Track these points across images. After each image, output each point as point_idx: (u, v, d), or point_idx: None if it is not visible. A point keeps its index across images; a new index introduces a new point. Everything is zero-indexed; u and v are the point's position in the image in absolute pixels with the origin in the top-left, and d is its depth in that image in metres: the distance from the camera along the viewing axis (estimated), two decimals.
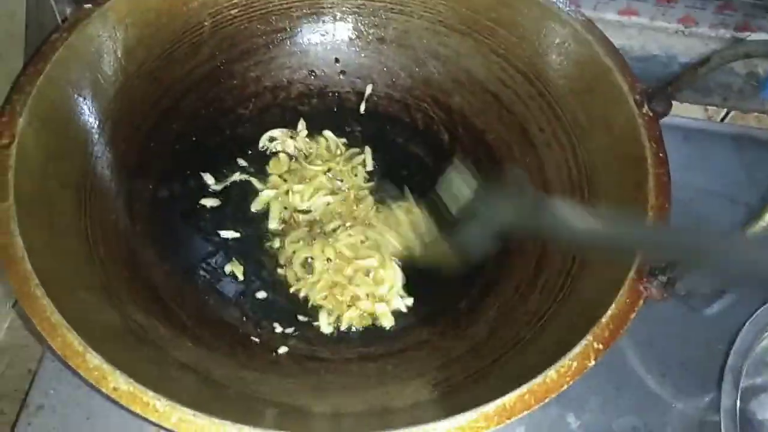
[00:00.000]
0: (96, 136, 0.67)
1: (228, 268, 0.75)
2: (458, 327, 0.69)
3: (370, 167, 0.83)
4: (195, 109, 0.79)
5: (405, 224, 0.77)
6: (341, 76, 0.86)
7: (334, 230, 0.77)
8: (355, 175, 0.82)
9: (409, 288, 0.75)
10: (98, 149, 0.67)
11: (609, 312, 0.53)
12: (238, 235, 0.77)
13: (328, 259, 0.75)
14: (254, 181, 0.80)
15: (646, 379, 0.76)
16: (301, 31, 0.83)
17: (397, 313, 0.73)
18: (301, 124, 0.85)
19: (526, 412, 0.49)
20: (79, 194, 0.63)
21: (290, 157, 0.83)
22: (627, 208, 0.62)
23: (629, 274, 0.55)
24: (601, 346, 0.52)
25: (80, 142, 0.66)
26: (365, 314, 0.72)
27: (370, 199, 0.81)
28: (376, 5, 0.81)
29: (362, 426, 0.48)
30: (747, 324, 0.69)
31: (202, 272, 0.73)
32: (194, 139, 0.79)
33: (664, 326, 0.79)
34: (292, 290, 0.74)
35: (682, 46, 1.02)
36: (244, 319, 0.71)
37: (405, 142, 0.85)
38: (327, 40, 0.84)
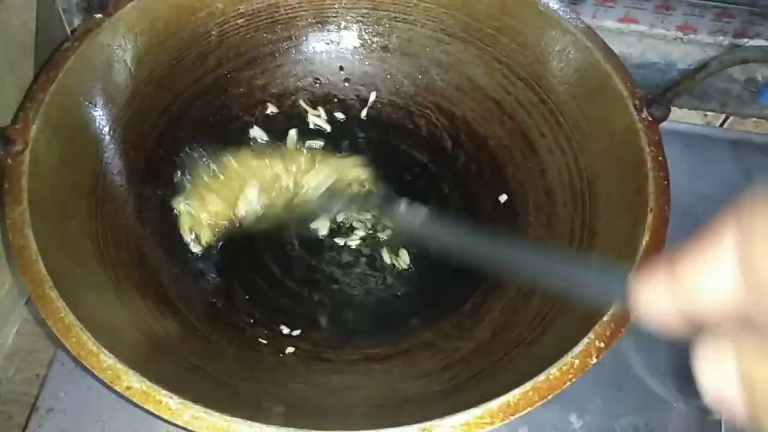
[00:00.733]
0: (106, 143, 0.69)
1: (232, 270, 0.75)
2: (462, 328, 0.70)
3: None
4: (202, 116, 0.80)
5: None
6: (346, 84, 0.87)
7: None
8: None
9: (414, 289, 0.76)
10: (108, 155, 0.69)
11: (610, 311, 0.54)
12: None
13: None
14: None
15: (648, 379, 0.77)
16: (306, 39, 0.85)
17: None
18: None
19: (529, 409, 0.50)
20: (90, 199, 0.65)
21: None
22: (628, 212, 0.63)
23: (630, 275, 0.56)
24: (602, 345, 0.53)
25: (91, 149, 0.67)
26: None
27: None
28: (380, 14, 0.82)
29: (369, 423, 0.49)
30: None
31: (209, 275, 0.74)
32: (201, 145, 0.80)
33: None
34: None
35: (681, 53, 1.03)
36: (252, 321, 0.71)
37: (408, 148, 0.86)
38: (332, 49, 0.85)
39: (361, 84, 0.87)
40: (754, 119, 1.03)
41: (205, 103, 0.80)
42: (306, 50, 0.85)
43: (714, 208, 0.76)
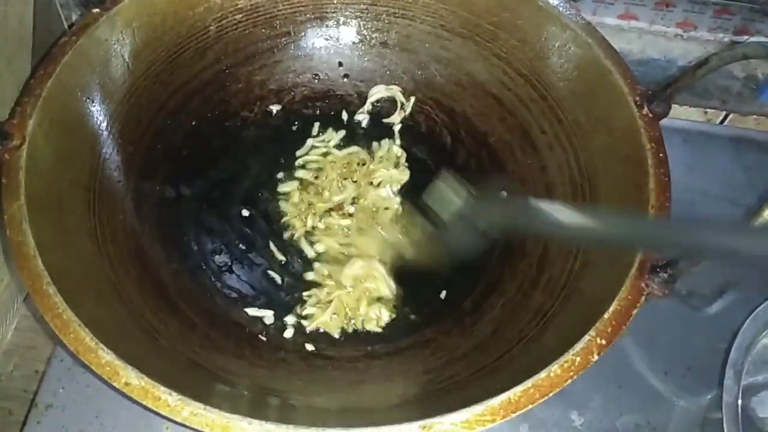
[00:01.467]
0: (104, 138, 0.68)
1: (234, 268, 0.75)
2: (463, 326, 0.70)
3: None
4: (200, 112, 0.80)
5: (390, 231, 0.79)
6: (345, 80, 0.87)
7: None
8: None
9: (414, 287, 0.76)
10: (106, 151, 0.68)
11: (611, 308, 0.54)
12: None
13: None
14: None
15: (649, 377, 0.77)
16: (305, 35, 0.84)
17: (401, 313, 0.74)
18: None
19: (531, 406, 0.49)
20: (88, 194, 0.64)
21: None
22: (628, 208, 0.63)
23: (631, 271, 0.56)
24: (603, 342, 0.52)
25: (89, 144, 0.67)
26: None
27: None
28: (379, 10, 0.82)
29: (369, 420, 0.49)
30: (748, 320, 0.69)
31: (209, 272, 0.74)
32: (200, 141, 0.80)
33: (666, 326, 0.80)
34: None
35: (681, 49, 1.02)
36: (250, 317, 0.71)
37: (408, 144, 0.86)
38: (331, 44, 0.85)
39: (361, 80, 0.87)
40: (755, 116, 1.02)
41: (204, 98, 0.80)
42: (305, 46, 0.85)
43: (715, 204, 0.77)
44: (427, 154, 0.85)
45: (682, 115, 1.00)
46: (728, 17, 1.00)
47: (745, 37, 1.01)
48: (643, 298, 0.55)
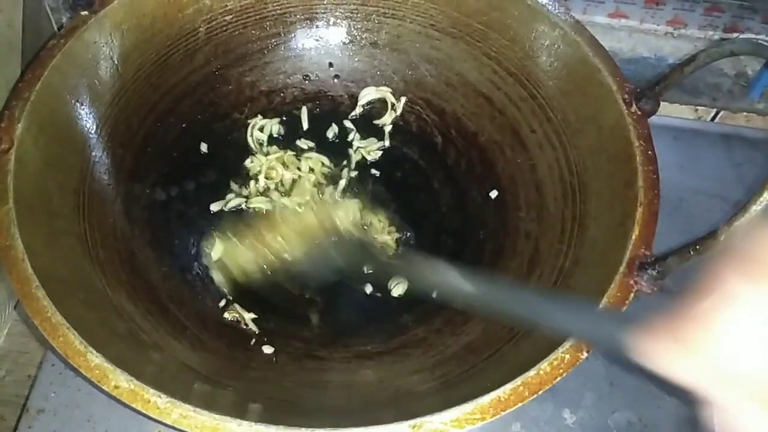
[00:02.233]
0: (93, 141, 0.68)
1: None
2: (454, 324, 0.70)
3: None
4: (191, 113, 0.80)
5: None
6: (335, 80, 0.87)
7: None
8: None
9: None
10: (96, 154, 0.68)
11: (601, 305, 0.54)
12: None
13: None
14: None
15: (641, 374, 0.76)
16: (295, 36, 0.84)
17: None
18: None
19: (520, 404, 0.50)
20: (77, 198, 0.64)
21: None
22: (618, 206, 0.63)
23: (620, 268, 0.56)
24: None
25: (78, 147, 0.67)
26: None
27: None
28: (369, 10, 0.82)
29: (360, 421, 0.49)
30: None
31: (199, 274, 0.74)
32: (190, 143, 0.80)
33: None
34: None
35: (671, 47, 1.03)
36: (241, 319, 0.71)
37: (399, 144, 0.86)
38: (321, 45, 0.85)
39: (351, 80, 0.87)
40: (745, 114, 1.03)
41: (194, 100, 0.80)
42: (295, 47, 0.85)
43: (705, 202, 0.77)
44: (419, 155, 0.86)
45: (672, 112, 1.01)
46: (718, 15, 1.00)
47: (735, 34, 1.02)
48: (632, 294, 0.55)
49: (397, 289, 0.75)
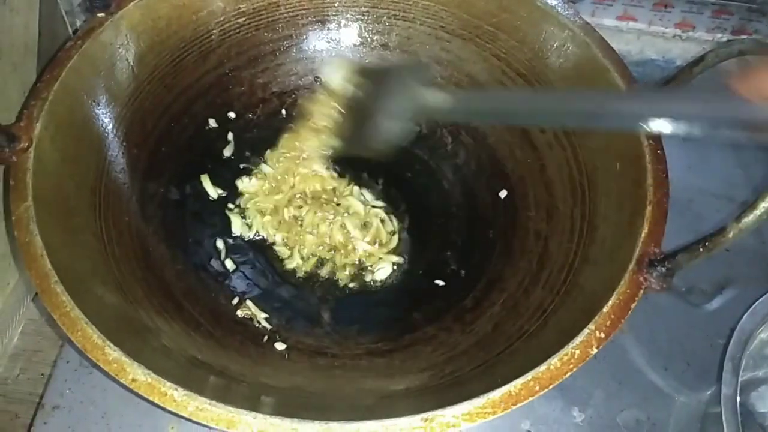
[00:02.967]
0: (109, 141, 0.69)
1: (239, 268, 0.77)
2: (464, 322, 0.70)
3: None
4: (204, 114, 0.81)
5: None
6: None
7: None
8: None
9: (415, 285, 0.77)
10: (111, 153, 0.69)
11: (610, 302, 0.54)
12: (249, 235, 0.79)
13: None
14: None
15: (649, 373, 0.77)
16: (307, 38, 0.85)
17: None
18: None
19: (531, 399, 0.50)
20: (93, 196, 0.65)
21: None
22: (627, 205, 0.64)
23: (629, 266, 0.57)
24: (602, 335, 0.53)
25: (94, 146, 0.68)
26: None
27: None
28: (380, 12, 0.83)
29: (371, 414, 0.49)
30: (746, 314, 0.70)
31: (213, 272, 0.75)
32: (203, 143, 0.81)
33: (666, 322, 0.80)
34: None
35: (680, 50, 1.03)
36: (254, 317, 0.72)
37: (409, 145, 0.86)
38: (332, 47, 0.86)
39: None
40: None
41: (207, 101, 0.81)
42: (307, 49, 0.86)
43: (713, 202, 0.77)
44: (429, 155, 0.86)
45: None
46: (726, 17, 1.01)
47: (743, 37, 1.02)
48: (642, 291, 0.55)
49: (379, 273, 0.77)
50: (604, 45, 0.71)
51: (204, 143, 0.82)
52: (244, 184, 0.81)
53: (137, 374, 0.49)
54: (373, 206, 0.82)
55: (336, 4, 0.83)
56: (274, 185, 0.81)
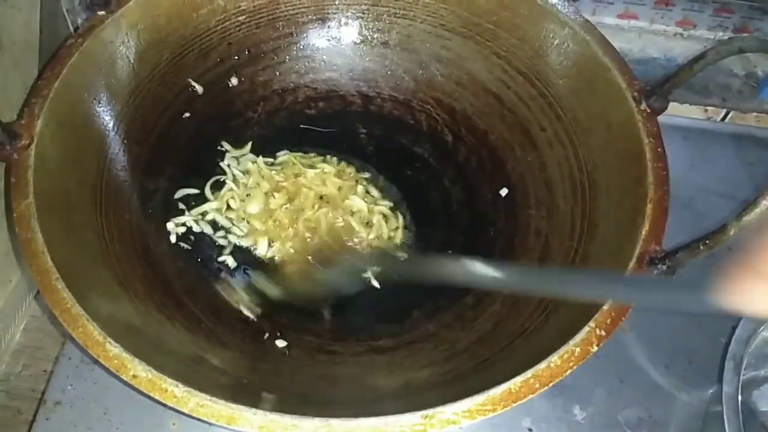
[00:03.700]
0: (110, 138, 0.69)
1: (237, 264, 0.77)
2: (465, 320, 0.70)
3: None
4: (205, 112, 0.81)
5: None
6: (347, 80, 0.88)
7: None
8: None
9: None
10: (112, 150, 0.69)
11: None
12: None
13: None
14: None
15: (650, 371, 0.77)
16: (307, 36, 0.85)
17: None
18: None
19: (531, 396, 0.50)
20: (94, 193, 0.65)
21: None
22: (628, 202, 0.64)
23: (630, 264, 0.57)
24: (603, 333, 0.53)
25: (95, 144, 0.68)
26: None
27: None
28: (380, 10, 0.83)
29: (372, 411, 0.49)
30: None
31: (213, 269, 0.75)
32: (204, 141, 0.81)
33: (667, 320, 0.80)
34: None
35: (681, 48, 1.03)
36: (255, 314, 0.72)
37: (409, 143, 0.87)
38: (333, 45, 0.86)
39: (362, 80, 0.88)
40: (755, 114, 1.03)
41: (208, 99, 0.81)
42: (307, 47, 0.86)
43: (715, 201, 0.77)
44: (429, 153, 0.86)
45: (682, 112, 1.01)
46: (728, 15, 1.01)
47: (745, 35, 1.02)
48: None
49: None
50: (605, 43, 0.71)
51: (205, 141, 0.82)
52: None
53: (138, 370, 0.49)
54: (376, 204, 0.82)
55: (336, 2, 0.83)
56: (274, 185, 0.81)
